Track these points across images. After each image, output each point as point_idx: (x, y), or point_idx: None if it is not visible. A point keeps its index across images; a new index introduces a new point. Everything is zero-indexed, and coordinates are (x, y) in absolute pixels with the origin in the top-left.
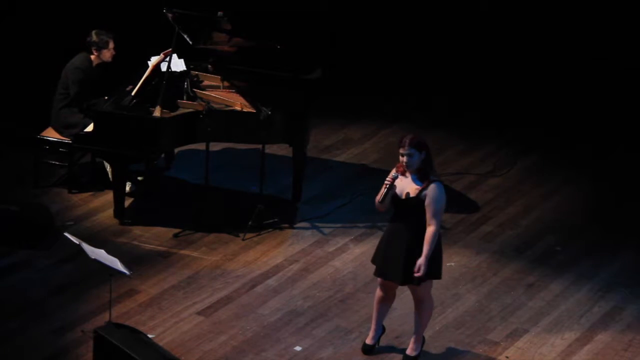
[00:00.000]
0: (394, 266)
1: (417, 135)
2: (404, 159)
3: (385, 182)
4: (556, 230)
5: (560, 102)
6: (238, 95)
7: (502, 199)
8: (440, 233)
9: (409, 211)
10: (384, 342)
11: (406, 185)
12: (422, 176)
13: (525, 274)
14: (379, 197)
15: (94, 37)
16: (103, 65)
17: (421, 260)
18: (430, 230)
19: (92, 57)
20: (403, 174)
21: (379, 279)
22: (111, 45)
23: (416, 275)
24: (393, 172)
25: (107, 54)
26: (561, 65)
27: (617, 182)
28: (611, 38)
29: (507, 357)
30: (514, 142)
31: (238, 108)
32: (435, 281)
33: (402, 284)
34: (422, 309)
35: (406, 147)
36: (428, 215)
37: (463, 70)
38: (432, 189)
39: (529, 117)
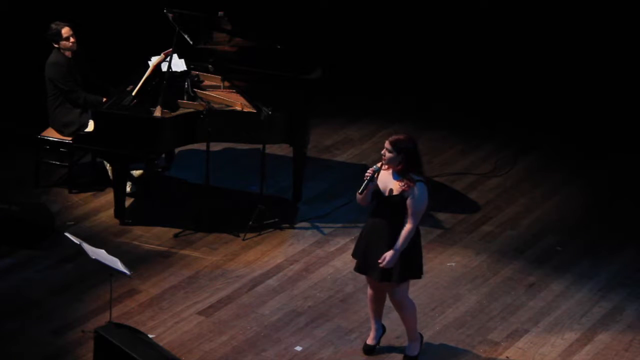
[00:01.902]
0: (373, 263)
1: (405, 139)
2: (383, 151)
3: (366, 173)
4: (556, 230)
5: (560, 101)
6: (238, 95)
7: (502, 199)
8: (420, 234)
9: (389, 209)
10: (384, 342)
11: (388, 182)
12: (403, 176)
13: (526, 274)
14: (359, 191)
15: (50, 31)
16: (79, 53)
17: (389, 252)
18: (407, 227)
19: (61, 49)
20: (387, 168)
21: (366, 277)
22: (65, 34)
23: (381, 265)
24: (375, 166)
25: (67, 44)
26: (561, 65)
27: (617, 182)
28: (611, 38)
29: (507, 357)
30: (514, 142)
31: (238, 108)
32: (435, 281)
33: (380, 280)
34: (403, 311)
35: (387, 143)
36: (409, 213)
37: (463, 70)
38: (414, 190)
39: (529, 117)
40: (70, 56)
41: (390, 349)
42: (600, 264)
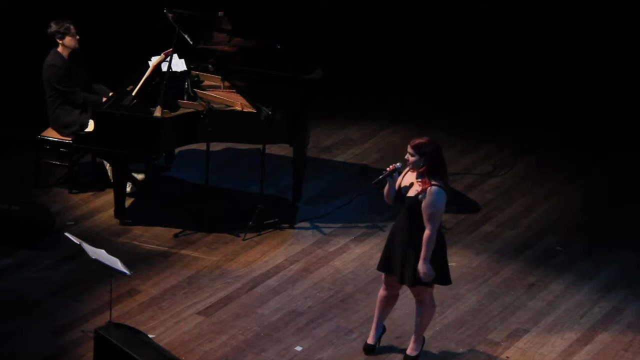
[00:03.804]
0: (395, 263)
1: (428, 142)
2: (407, 155)
3: (387, 168)
4: (556, 230)
5: (560, 101)
6: (238, 95)
7: (502, 199)
8: (444, 238)
9: (407, 210)
10: (384, 342)
11: (409, 183)
12: (423, 179)
13: (526, 274)
14: (373, 182)
15: (54, 27)
16: (75, 53)
17: (420, 265)
18: (425, 234)
19: (59, 49)
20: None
21: (382, 277)
22: (72, 30)
23: (424, 280)
24: (398, 164)
25: (72, 41)
26: (561, 65)
27: (617, 182)
28: (612, 37)
29: (507, 357)
30: (514, 142)
31: (238, 108)
32: None
33: (400, 282)
34: (422, 311)
35: (410, 147)
36: (424, 218)
37: (463, 70)
38: (428, 193)
39: (529, 117)
40: (67, 56)
41: (390, 349)
42: (600, 264)
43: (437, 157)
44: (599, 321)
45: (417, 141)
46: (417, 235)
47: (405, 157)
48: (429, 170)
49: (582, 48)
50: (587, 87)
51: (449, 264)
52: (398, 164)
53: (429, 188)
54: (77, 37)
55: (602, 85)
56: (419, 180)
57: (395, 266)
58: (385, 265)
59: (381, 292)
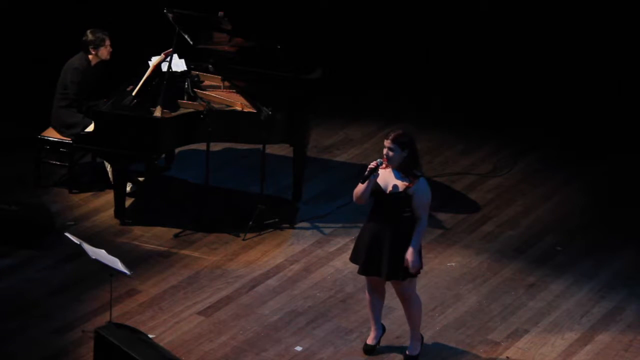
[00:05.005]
0: (379, 262)
1: (405, 133)
2: (386, 151)
3: (370, 165)
4: (556, 230)
5: (560, 102)
6: (238, 95)
7: (502, 199)
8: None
9: (392, 206)
10: (384, 342)
11: (390, 180)
12: (405, 173)
13: (526, 274)
14: (361, 180)
15: (90, 36)
16: (102, 64)
17: (409, 255)
18: (421, 223)
19: (90, 56)
20: (385, 167)
21: (366, 280)
22: (107, 42)
23: (412, 271)
24: (379, 160)
25: (105, 52)
26: (561, 65)
27: (617, 182)
28: (611, 38)
29: (507, 357)
30: (514, 142)
31: (238, 108)
32: (435, 281)
33: (388, 279)
34: (411, 307)
35: (389, 142)
36: (418, 210)
37: (463, 70)
38: (419, 185)
39: (529, 117)
40: (93, 64)
41: (390, 349)
42: (600, 264)
43: (415, 145)
44: (599, 321)
45: (395, 134)
46: (404, 229)
47: (384, 152)
48: (412, 160)
49: (582, 49)
50: (587, 87)
51: (449, 264)
52: (379, 160)
53: (418, 181)
54: (111, 49)
55: (602, 85)
56: (401, 175)
57: (381, 265)
58: (367, 268)
59: (367, 294)
